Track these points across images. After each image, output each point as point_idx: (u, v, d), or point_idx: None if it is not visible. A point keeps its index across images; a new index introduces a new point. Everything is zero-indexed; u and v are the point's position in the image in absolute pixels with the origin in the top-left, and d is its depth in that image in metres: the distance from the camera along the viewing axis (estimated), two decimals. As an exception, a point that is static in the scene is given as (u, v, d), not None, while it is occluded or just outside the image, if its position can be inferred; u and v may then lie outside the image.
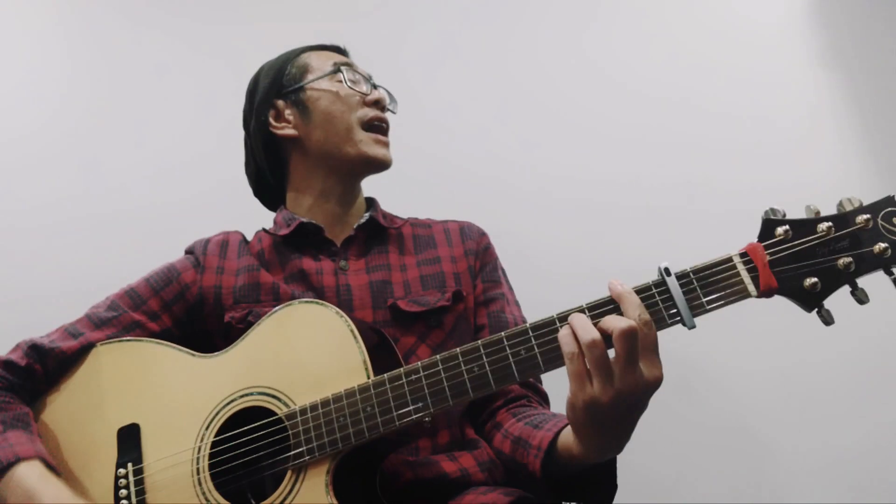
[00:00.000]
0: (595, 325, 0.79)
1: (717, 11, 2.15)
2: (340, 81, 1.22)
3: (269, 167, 1.28)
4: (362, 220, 1.21)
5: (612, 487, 0.93)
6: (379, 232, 1.22)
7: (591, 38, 2.10)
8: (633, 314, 0.78)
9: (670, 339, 0.92)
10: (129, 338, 1.07)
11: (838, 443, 1.74)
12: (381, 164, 1.22)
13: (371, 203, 1.29)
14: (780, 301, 0.85)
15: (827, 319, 0.80)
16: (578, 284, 1.71)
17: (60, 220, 1.82)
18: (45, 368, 1.04)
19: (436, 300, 1.12)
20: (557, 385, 1.09)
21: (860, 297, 0.80)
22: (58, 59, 1.99)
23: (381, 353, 0.95)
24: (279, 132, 1.24)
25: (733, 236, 1.90)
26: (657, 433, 1.59)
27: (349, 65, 1.26)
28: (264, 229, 1.24)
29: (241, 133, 1.34)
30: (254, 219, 1.29)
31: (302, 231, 1.19)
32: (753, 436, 1.78)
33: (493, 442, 1.07)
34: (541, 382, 1.17)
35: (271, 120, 1.25)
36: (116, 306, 1.11)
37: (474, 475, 1.00)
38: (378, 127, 1.22)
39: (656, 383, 0.77)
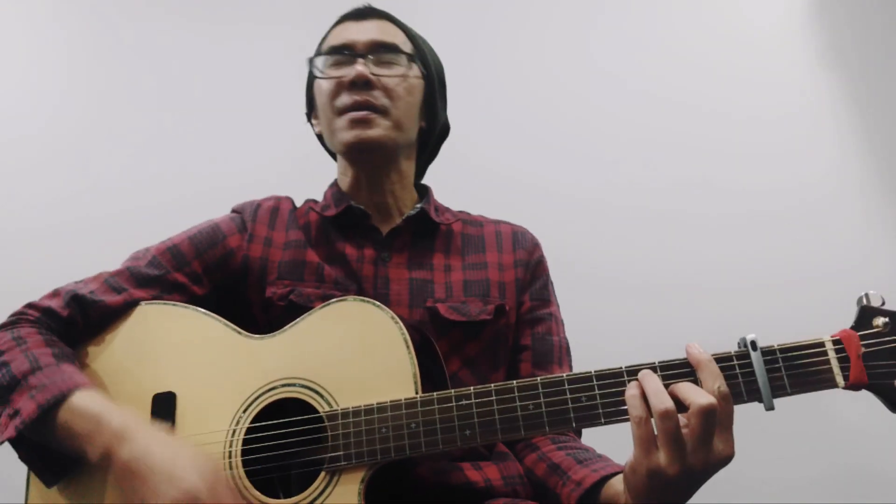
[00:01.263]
0: (667, 387, 0.75)
1: (717, 13, 2.19)
2: (320, 78, 1.15)
3: (330, 154, 1.28)
4: (412, 212, 1.15)
5: None
6: (428, 226, 1.16)
7: (592, 41, 2.15)
8: (712, 386, 0.74)
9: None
10: (176, 302, 1.05)
11: (837, 442, 1.78)
12: (358, 146, 1.11)
13: (425, 193, 1.23)
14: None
15: (913, 424, 0.76)
16: (579, 285, 1.65)
17: (61, 222, 1.87)
18: (85, 321, 1.01)
19: (478, 312, 1.07)
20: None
21: (952, 406, 0.75)
22: (57, 58, 2.04)
23: (422, 354, 0.92)
24: (316, 130, 1.23)
25: (734, 239, 1.94)
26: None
27: (335, 48, 1.15)
28: (313, 202, 1.20)
29: (244, 130, 1.35)
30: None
31: (349, 213, 1.14)
32: (752, 435, 1.81)
33: (526, 460, 1.05)
34: None
35: (312, 120, 1.24)
36: (159, 264, 1.07)
37: (498, 487, 0.98)
38: (353, 106, 1.11)
39: (727, 460, 0.74)
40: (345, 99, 1.10)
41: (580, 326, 1.27)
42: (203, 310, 1.03)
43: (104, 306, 1.02)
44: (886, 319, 0.76)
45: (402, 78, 1.13)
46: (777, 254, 1.90)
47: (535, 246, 1.20)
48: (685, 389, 0.74)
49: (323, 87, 1.14)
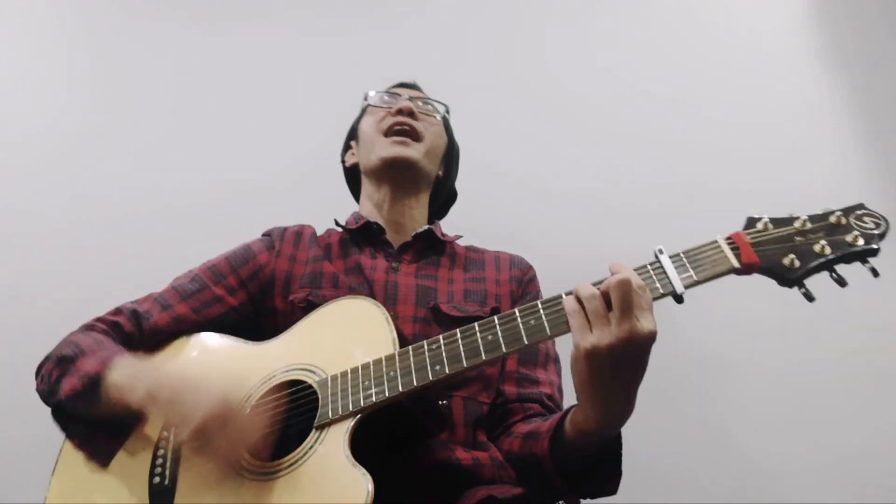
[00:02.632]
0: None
1: (719, 16, 2.30)
2: (371, 105, 1.45)
3: (353, 195, 1.54)
4: (420, 230, 1.35)
5: (617, 473, 0.95)
6: (434, 244, 1.36)
7: (593, 45, 2.26)
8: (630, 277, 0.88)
9: (671, 338, 1.00)
10: (208, 333, 1.20)
11: (837, 443, 1.71)
12: (394, 163, 1.35)
13: (432, 221, 1.45)
14: (776, 297, 0.94)
15: (809, 295, 0.88)
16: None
17: (61, 227, 1.93)
18: (141, 336, 1.18)
19: (474, 310, 1.22)
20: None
21: (840, 281, 0.88)
22: (59, 59, 2.13)
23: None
24: (348, 164, 1.51)
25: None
26: (657, 430, 1.60)
27: (387, 91, 1.46)
28: (336, 223, 1.41)
29: (246, 136, 1.69)
30: (259, 220, 1.42)
31: (367, 229, 1.35)
32: (752, 435, 1.75)
33: (503, 445, 1.11)
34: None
35: (345, 157, 1.52)
36: (200, 280, 1.24)
37: (485, 467, 1.04)
38: (397, 131, 1.37)
39: (651, 336, 0.84)
40: (390, 121, 1.38)
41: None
42: (222, 334, 1.19)
43: (154, 325, 1.18)
44: (767, 220, 0.93)
45: (436, 121, 1.45)
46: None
47: (529, 268, 1.38)
48: (607, 280, 0.88)
49: (369, 118, 1.43)
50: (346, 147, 1.55)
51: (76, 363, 1.04)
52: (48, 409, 1.10)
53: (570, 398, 1.23)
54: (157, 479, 1.01)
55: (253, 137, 2.12)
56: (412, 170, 1.37)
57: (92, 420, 1.06)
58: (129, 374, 1.00)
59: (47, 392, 1.09)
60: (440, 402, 1.05)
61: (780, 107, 2.15)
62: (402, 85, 1.54)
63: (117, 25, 2.20)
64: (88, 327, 1.15)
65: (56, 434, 1.10)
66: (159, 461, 1.03)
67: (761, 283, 0.93)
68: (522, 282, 1.33)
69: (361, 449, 0.94)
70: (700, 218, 1.97)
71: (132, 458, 1.05)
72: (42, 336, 1.15)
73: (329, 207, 1.45)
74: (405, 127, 1.37)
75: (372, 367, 1.00)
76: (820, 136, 2.12)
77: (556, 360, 1.27)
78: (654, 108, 2.15)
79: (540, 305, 0.95)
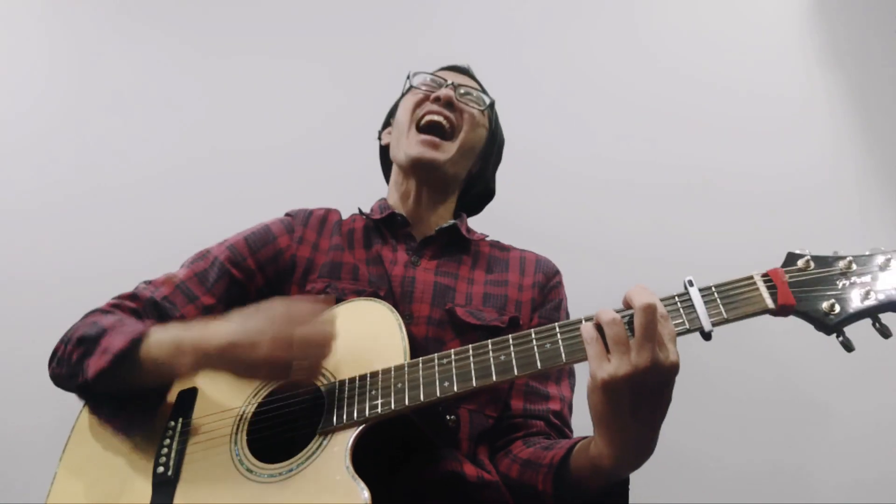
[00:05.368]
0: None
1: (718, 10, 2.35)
2: (412, 86, 1.36)
3: (385, 175, 1.48)
4: (445, 225, 1.30)
5: None
6: (458, 241, 1.30)
7: (594, 43, 2.29)
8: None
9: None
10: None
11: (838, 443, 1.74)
12: (419, 164, 1.28)
13: (458, 216, 1.38)
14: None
15: (847, 345, 0.82)
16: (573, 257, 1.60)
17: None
18: None
19: (492, 319, 1.16)
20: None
21: (883, 331, 0.82)
22: (38, 54, 2.24)
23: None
24: (383, 143, 1.45)
25: (738, 224, 2.01)
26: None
27: (431, 75, 1.37)
28: (360, 211, 1.36)
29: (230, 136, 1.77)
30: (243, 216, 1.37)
31: (391, 220, 1.30)
32: (750, 434, 1.76)
33: (500, 467, 1.08)
34: (570, 430, 1.17)
35: (381, 135, 1.46)
36: (219, 264, 1.20)
37: (491, 486, 1.01)
38: (428, 127, 1.29)
39: (673, 367, 0.80)
40: (425, 108, 1.31)
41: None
42: None
43: (181, 319, 1.14)
44: (808, 258, 0.86)
45: (478, 112, 1.35)
46: (774, 237, 1.92)
47: (556, 273, 1.31)
48: (630, 299, 0.83)
49: (408, 100, 1.35)
50: (386, 123, 1.48)
51: (100, 341, 1.01)
52: (47, 409, 1.10)
53: (579, 414, 1.21)
54: (160, 469, 1.01)
55: (253, 128, 2.21)
56: (438, 172, 1.31)
57: (121, 396, 1.04)
58: (170, 341, 0.97)
59: (67, 375, 1.06)
60: (448, 417, 1.02)
61: (778, 98, 2.21)
62: (452, 68, 1.44)
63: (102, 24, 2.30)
64: (104, 311, 1.12)
65: (55, 431, 1.10)
66: (164, 450, 1.03)
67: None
68: (545, 288, 1.27)
69: (364, 458, 0.93)
70: (696, 214, 2.04)
71: (139, 445, 1.05)
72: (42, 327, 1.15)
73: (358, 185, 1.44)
74: (439, 120, 1.29)
75: (380, 376, 0.97)
76: (815, 128, 2.18)
77: (571, 374, 1.23)
78: (656, 98, 2.20)
79: (558, 329, 0.91)
